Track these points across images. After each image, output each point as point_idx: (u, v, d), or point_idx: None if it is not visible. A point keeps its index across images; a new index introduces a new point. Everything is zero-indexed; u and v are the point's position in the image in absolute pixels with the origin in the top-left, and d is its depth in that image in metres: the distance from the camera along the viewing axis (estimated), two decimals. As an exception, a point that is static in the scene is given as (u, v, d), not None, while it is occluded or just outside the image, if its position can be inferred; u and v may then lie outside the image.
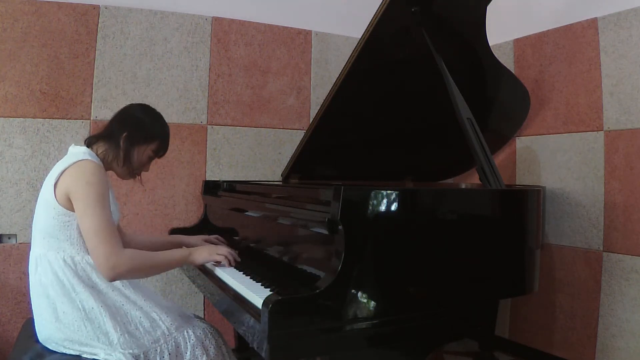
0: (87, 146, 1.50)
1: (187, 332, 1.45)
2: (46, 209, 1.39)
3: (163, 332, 1.41)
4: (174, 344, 1.41)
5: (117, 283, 1.42)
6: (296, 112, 2.73)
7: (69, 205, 1.36)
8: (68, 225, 1.38)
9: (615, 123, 2.14)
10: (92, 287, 1.38)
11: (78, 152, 1.46)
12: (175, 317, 1.46)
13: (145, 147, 1.55)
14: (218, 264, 1.61)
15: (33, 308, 1.42)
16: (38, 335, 1.41)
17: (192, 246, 1.81)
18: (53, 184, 1.38)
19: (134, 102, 1.65)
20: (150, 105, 1.64)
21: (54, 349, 1.37)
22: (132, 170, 1.56)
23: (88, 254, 1.37)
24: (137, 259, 1.39)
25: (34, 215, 1.45)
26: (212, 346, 1.47)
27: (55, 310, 1.35)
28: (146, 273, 1.46)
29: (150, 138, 1.55)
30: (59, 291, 1.36)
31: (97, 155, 1.49)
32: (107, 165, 1.52)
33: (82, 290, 1.36)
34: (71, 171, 1.38)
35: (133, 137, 1.51)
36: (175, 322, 1.44)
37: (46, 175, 1.41)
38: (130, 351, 1.33)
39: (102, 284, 1.40)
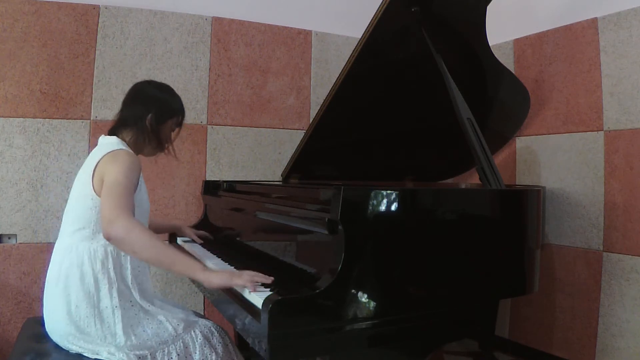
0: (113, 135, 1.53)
1: (194, 332, 1.45)
2: (82, 200, 1.40)
3: (170, 334, 1.41)
4: (182, 344, 1.41)
5: (130, 284, 1.42)
6: (296, 112, 2.73)
7: None
8: None
9: (615, 123, 2.14)
10: (116, 282, 1.38)
11: (110, 142, 1.49)
12: (181, 319, 1.46)
13: (170, 122, 1.61)
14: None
15: (45, 297, 1.44)
16: (45, 324, 1.42)
17: (185, 234, 2.06)
18: (91, 174, 1.40)
19: (137, 81, 1.66)
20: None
21: (57, 342, 1.38)
22: (162, 146, 1.62)
23: None
24: (143, 233, 1.29)
25: (65, 209, 1.47)
26: (219, 344, 1.48)
27: (69, 302, 1.36)
28: (142, 255, 1.32)
29: (174, 113, 1.61)
30: (79, 284, 1.36)
31: (126, 142, 1.52)
32: (137, 149, 1.56)
33: (102, 285, 1.37)
34: (106, 159, 1.41)
35: (159, 117, 1.56)
36: (182, 324, 1.44)
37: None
38: (136, 352, 1.33)
39: (120, 280, 1.40)
